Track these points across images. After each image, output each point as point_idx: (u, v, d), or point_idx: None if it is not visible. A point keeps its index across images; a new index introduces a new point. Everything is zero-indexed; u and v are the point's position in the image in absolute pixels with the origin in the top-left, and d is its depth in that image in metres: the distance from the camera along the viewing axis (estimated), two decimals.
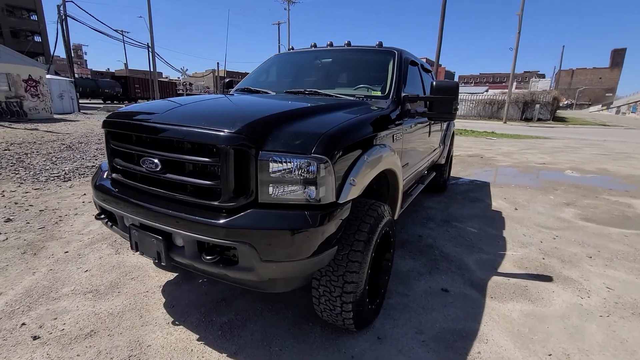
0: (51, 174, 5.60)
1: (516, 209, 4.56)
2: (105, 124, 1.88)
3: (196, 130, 1.52)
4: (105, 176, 2.01)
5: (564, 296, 2.46)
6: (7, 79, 14.28)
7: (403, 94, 2.51)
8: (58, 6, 21.36)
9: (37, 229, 3.36)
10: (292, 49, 3.41)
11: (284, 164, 1.46)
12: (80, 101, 33.67)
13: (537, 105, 29.84)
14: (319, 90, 2.57)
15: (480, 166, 7.75)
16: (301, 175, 1.47)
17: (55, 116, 16.86)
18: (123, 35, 37.67)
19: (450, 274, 2.74)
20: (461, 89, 43.82)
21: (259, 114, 1.62)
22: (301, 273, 1.60)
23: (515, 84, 29.26)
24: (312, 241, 1.48)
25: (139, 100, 42.87)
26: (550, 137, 15.52)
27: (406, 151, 2.63)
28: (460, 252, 3.13)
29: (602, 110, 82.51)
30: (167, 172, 1.63)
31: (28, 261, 2.72)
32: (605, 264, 3.00)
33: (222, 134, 1.47)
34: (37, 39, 44.95)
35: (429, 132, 3.41)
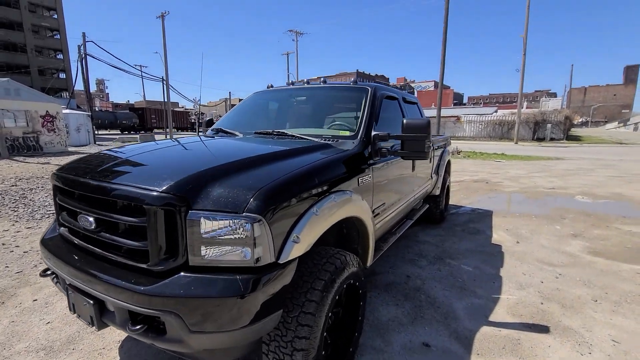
0: (47, 211, 5.66)
1: (518, 242, 4.28)
2: (52, 178, 1.84)
3: (124, 188, 1.45)
4: (54, 230, 1.95)
5: (561, 352, 2.19)
6: (26, 115, 15.04)
7: (373, 133, 2.40)
8: (79, 46, 22.80)
9: (15, 273, 3.31)
10: (271, 86, 3.40)
11: (215, 223, 1.35)
12: (99, 132, 35.15)
13: (549, 125, 29.35)
14: (286, 132, 2.50)
15: (485, 192, 7.47)
16: (234, 235, 1.36)
17: (71, 149, 17.54)
18: (141, 70, 39.78)
19: (435, 324, 2.50)
20: (470, 110, 43.73)
21: (193, 169, 1.53)
22: (240, 342, 1.45)
23: (525, 103, 29.06)
24: (245, 309, 1.34)
25: (154, 130, 44.50)
26: (563, 158, 15.06)
27: (381, 191, 2.49)
28: (449, 297, 2.89)
29: (618, 127, 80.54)
30: (101, 231, 1.55)
31: None
32: (612, 309, 2.71)
33: (148, 192, 1.38)
34: (62, 75, 47.94)
35: (413, 166, 3.27)
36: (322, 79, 3.04)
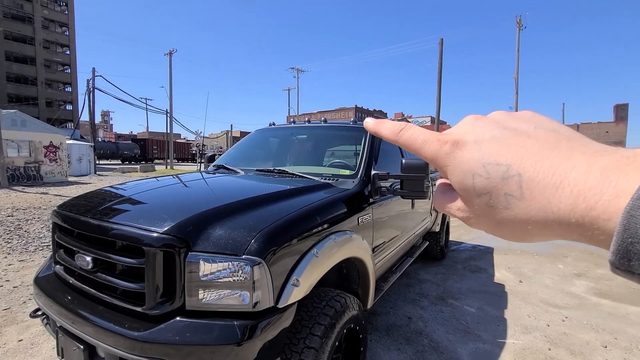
0: (42, 242, 5.57)
1: (521, 282, 4.19)
2: (53, 215, 1.84)
3: (123, 228, 1.45)
4: (49, 268, 1.91)
5: None
6: (29, 145, 15.26)
7: (373, 172, 2.44)
8: (88, 80, 23.66)
9: (2, 310, 3.19)
10: (273, 124, 3.50)
11: (214, 266, 1.34)
12: (100, 162, 35.46)
13: None
14: (287, 170, 2.54)
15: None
16: (233, 278, 1.33)
17: (71, 179, 17.59)
18: (146, 102, 41.07)
19: None
20: None
21: (193, 210, 1.54)
22: None
23: None
24: (242, 357, 1.29)
25: (155, 160, 44.95)
26: None
27: (381, 229, 2.48)
28: (453, 341, 2.78)
29: None
30: (98, 271, 1.52)
31: None
32: (623, 357, 2.59)
33: (148, 233, 1.38)
34: (69, 107, 49.29)
35: (412, 203, 3.29)
36: (322, 118, 3.14)
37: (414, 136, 0.34)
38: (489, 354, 2.61)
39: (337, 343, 1.66)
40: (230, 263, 1.34)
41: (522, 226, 0.28)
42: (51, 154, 16.20)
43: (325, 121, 3.13)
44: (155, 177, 2.44)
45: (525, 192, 0.27)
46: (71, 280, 1.67)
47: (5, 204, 9.28)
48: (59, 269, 1.79)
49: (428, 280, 4.17)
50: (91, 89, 23.67)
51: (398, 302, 3.52)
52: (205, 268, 1.34)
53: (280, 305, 1.40)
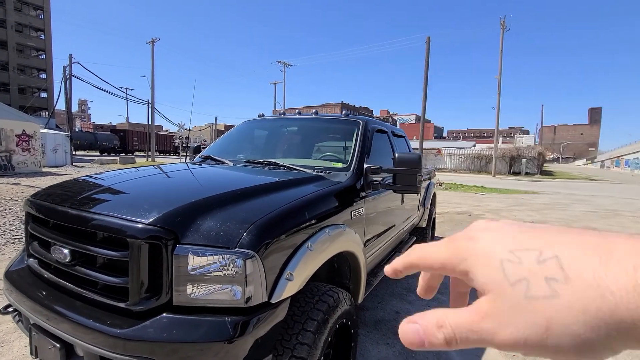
0: (13, 235, 5.28)
1: None
2: (26, 204, 1.71)
3: (105, 218, 1.35)
4: (22, 262, 1.78)
5: None
6: (0, 134, 14.45)
7: (365, 166, 2.41)
8: (64, 67, 22.59)
9: None
10: (262, 115, 3.41)
11: (204, 259, 1.26)
12: (77, 153, 34.09)
13: (524, 160, 30.77)
14: (278, 162, 2.47)
15: (468, 225, 7.56)
16: (224, 272, 1.27)
17: (45, 169, 16.81)
18: (126, 92, 39.66)
19: None
20: (450, 144, 45.45)
21: (182, 200, 1.46)
22: None
23: (501, 139, 30.55)
24: (233, 355, 1.23)
25: (136, 152, 43.62)
26: (539, 192, 15.64)
27: (372, 224, 2.46)
28: None
29: (587, 164, 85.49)
30: (76, 264, 1.42)
31: None
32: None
33: (133, 224, 1.29)
34: (44, 94, 47.05)
35: (402, 198, 3.28)
36: (313, 110, 3.08)
37: (426, 247, 0.32)
38: (476, 348, 2.64)
39: (329, 339, 1.62)
40: (221, 256, 1.27)
41: (580, 325, 0.22)
42: (24, 143, 15.41)
43: (316, 113, 3.06)
44: (135, 168, 2.31)
45: (570, 273, 0.23)
46: (46, 274, 1.55)
47: None
48: (32, 262, 1.67)
49: (414, 275, 4.18)
50: (68, 76, 22.63)
51: (385, 296, 3.52)
52: (195, 261, 1.26)
53: (273, 301, 1.35)
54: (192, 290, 1.27)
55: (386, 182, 2.49)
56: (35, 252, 1.62)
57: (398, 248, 3.63)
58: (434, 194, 5.37)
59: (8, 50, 42.56)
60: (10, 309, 1.71)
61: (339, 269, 2.19)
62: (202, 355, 1.19)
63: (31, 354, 1.52)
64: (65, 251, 1.42)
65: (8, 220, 6.21)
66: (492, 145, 31.44)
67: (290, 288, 1.41)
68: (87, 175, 2.09)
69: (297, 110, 3.17)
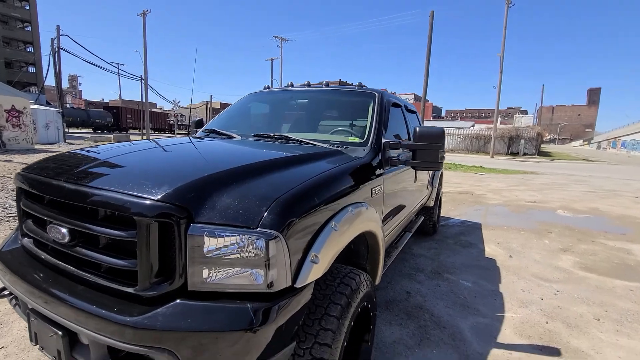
0: (7, 213, 5.11)
1: (511, 256, 4.23)
2: (17, 179, 1.54)
3: (108, 194, 1.19)
4: (15, 241, 1.63)
5: None
6: None
7: (384, 140, 2.25)
8: (52, 39, 21.63)
9: None
10: (268, 87, 3.19)
11: (221, 240, 1.12)
12: (70, 130, 33.33)
13: (522, 140, 30.65)
14: (290, 135, 2.29)
15: (470, 205, 7.51)
16: (243, 254, 1.13)
17: (38, 147, 16.41)
18: (118, 67, 38.38)
19: (443, 346, 2.33)
20: (448, 124, 45.09)
21: (194, 174, 1.30)
22: None
23: (499, 119, 30.22)
24: (255, 344, 1.11)
25: (130, 130, 42.74)
26: (538, 173, 15.61)
27: (389, 203, 2.33)
28: (453, 315, 2.74)
29: (583, 145, 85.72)
30: (77, 245, 1.27)
31: None
32: (616, 329, 2.65)
33: (140, 200, 1.14)
34: (32, 69, 45.42)
35: (415, 176, 3.15)
36: (324, 82, 2.87)
37: None
38: (490, 328, 2.59)
39: (352, 323, 1.52)
40: (240, 237, 1.13)
41: None
42: (14, 119, 14.93)
43: (327, 85, 2.86)
44: (131, 142, 2.12)
45: None
46: (43, 255, 1.41)
47: None
48: (27, 242, 1.52)
49: (422, 255, 4.13)
50: (56, 49, 21.70)
51: (394, 276, 3.46)
52: (211, 243, 1.12)
53: (297, 285, 1.22)
54: (209, 274, 1.13)
55: (404, 158, 2.34)
56: (30, 231, 1.47)
57: (408, 227, 3.54)
58: (442, 173, 5.25)
59: None
60: (6, 292, 1.57)
61: (356, 250, 2.07)
62: (221, 344, 1.07)
63: (31, 340, 1.40)
64: (64, 230, 1.27)
65: (1, 198, 6.03)
66: (491, 126, 31.21)
67: (315, 271, 1.28)
68: (81, 149, 1.90)
69: (306, 82, 2.96)
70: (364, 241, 1.99)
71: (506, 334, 2.51)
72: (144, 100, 33.06)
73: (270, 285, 1.15)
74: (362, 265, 2.07)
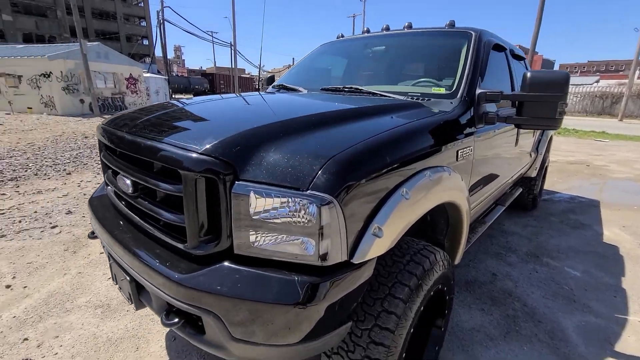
0: None
1: None
2: (97, 131, 1.63)
3: (158, 146, 1.14)
4: (103, 189, 1.79)
5: None
6: (113, 77, 16.51)
7: (478, 91, 1.79)
8: (157, 12, 24.06)
9: (89, 223, 3.48)
10: (342, 36, 2.87)
11: (269, 201, 0.97)
12: (175, 96, 37.95)
13: None
14: (361, 87, 2.00)
15: (585, 177, 6.17)
16: (292, 219, 0.97)
17: None
18: (212, 35, 41.37)
19: (537, 343, 1.95)
20: None
21: (242, 127, 1.15)
22: (296, 359, 1.11)
23: (637, 72, 23.54)
24: (305, 321, 0.98)
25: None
26: None
27: (479, 170, 1.91)
28: (553, 309, 2.27)
29: None
30: (139, 196, 1.29)
31: (66, 259, 2.76)
32: None
33: (184, 153, 1.05)
34: (145, 41, 52.10)
35: (517, 139, 2.56)
36: (407, 23, 2.42)
37: None
38: (604, 331, 2.07)
39: (422, 307, 1.29)
40: (289, 199, 0.96)
41: None
42: (132, 86, 17.46)
43: (410, 27, 2.41)
44: (208, 97, 2.11)
45: None
46: (119, 204, 1.49)
47: None
48: (109, 190, 1.64)
49: (515, 233, 3.54)
50: (161, 21, 24.16)
51: (478, 254, 3.03)
52: (258, 203, 0.98)
53: (355, 261, 1.03)
54: (255, 238, 1.01)
55: (504, 115, 1.85)
56: (109, 181, 1.56)
57: (501, 200, 3.00)
58: (551, 138, 4.31)
59: (115, 0, 47.00)
60: (95, 235, 1.75)
61: (432, 222, 1.77)
62: (267, 316, 0.97)
63: (112, 280, 1.54)
64: (128, 182, 1.28)
65: None
66: (624, 81, 24.81)
67: (378, 246, 1.06)
68: (171, 101, 1.95)
69: (385, 26, 2.55)
70: (444, 213, 1.68)
71: (629, 343, 1.98)
72: (233, 66, 35.29)
73: (323, 257, 0.98)
74: (439, 240, 1.77)
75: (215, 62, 67.13)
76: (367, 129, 1.25)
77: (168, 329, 1.99)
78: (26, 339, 1.88)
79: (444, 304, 1.58)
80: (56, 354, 1.79)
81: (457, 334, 2.00)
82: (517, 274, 2.70)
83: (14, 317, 2.06)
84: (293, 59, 49.67)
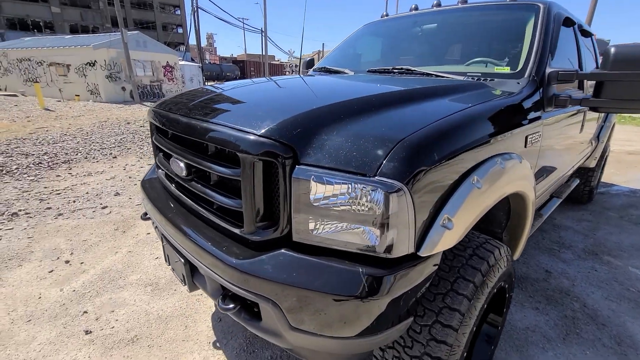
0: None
1: None
2: (149, 114, 1.65)
3: (215, 128, 1.10)
4: (154, 172, 1.82)
5: None
6: (151, 65, 17.11)
7: (549, 70, 1.61)
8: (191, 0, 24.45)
9: (136, 205, 3.65)
10: (386, 15, 2.71)
11: (330, 188, 0.92)
12: (208, 83, 38.93)
13: None
14: (413, 68, 1.87)
15: None
16: (356, 207, 0.91)
17: None
18: (243, 22, 41.63)
19: (602, 349, 1.79)
20: None
21: (301, 108, 1.09)
22: (352, 352, 1.07)
23: None
24: (366, 314, 0.93)
25: None
26: None
27: (545, 158, 1.74)
28: (618, 312, 2.08)
29: None
30: (192, 179, 1.28)
31: (116, 238, 2.90)
32: None
33: (242, 135, 1.01)
34: (180, 30, 53.46)
35: (582, 125, 2.32)
36: None
37: None
38: None
39: (485, 305, 1.20)
40: (354, 185, 0.90)
41: None
42: (168, 74, 18.04)
43: (464, 1, 2.21)
44: (251, 80, 2.08)
45: None
46: (171, 187, 1.50)
47: (139, 116, 10.83)
48: (160, 173, 1.66)
49: (569, 228, 3.28)
50: (195, 9, 24.56)
51: (529, 249, 2.84)
52: (318, 189, 0.93)
53: (422, 254, 0.95)
54: (315, 225, 0.96)
55: (577, 97, 1.66)
56: (161, 164, 1.58)
57: (557, 192, 2.77)
58: (614, 125, 3.91)
59: None
60: (148, 216, 1.80)
61: (491, 214, 1.64)
62: (329, 308, 0.92)
63: (165, 261, 1.57)
64: (182, 164, 1.28)
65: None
66: None
67: (447, 239, 0.98)
68: (211, 85, 1.94)
69: (435, 1, 2.36)
70: (506, 204, 1.55)
71: None
72: (263, 53, 35.41)
73: (388, 249, 0.92)
74: (497, 234, 1.65)
75: (245, 49, 67.72)
76: (433, 110, 1.15)
77: (214, 310, 2.04)
78: (85, 312, 2.00)
79: (503, 302, 1.48)
80: (113, 327, 1.89)
81: (509, 332, 1.88)
82: (573, 272, 2.50)
83: (74, 290, 2.19)
84: (323, 44, 48.97)
